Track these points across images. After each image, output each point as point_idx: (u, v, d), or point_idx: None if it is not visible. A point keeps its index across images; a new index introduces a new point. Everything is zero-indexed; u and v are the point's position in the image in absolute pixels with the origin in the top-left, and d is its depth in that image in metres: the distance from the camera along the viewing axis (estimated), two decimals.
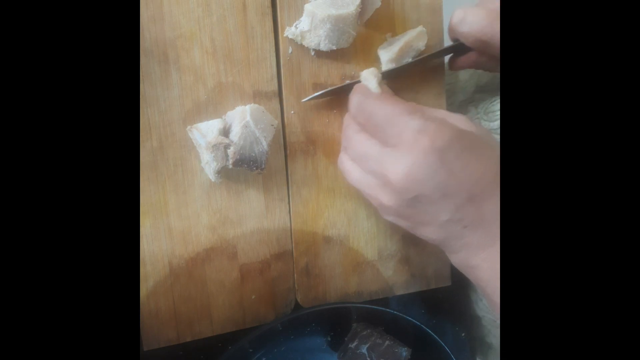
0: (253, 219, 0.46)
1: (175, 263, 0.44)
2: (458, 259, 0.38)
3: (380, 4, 0.45)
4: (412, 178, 0.34)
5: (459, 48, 0.48)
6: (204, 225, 0.45)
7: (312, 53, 0.46)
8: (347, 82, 0.46)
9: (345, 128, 0.42)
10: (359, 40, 0.47)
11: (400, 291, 0.52)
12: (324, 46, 0.45)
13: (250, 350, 0.47)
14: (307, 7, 0.44)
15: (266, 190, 0.46)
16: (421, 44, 0.47)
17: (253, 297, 0.47)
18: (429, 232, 0.38)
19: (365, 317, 0.49)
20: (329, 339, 0.50)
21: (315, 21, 0.44)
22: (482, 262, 0.36)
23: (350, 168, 0.41)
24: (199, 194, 0.44)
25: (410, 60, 0.47)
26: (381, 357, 0.46)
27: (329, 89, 0.46)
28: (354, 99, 0.41)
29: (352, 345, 0.47)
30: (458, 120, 0.38)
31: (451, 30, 0.47)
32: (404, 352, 0.46)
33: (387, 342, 0.46)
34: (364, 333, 0.47)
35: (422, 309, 0.51)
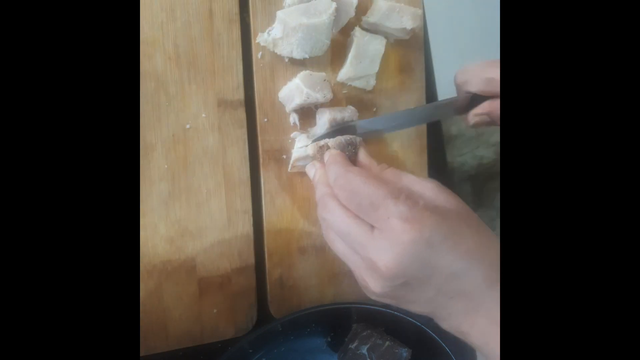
0: (214, 232, 0.45)
1: None
2: (448, 326, 0.38)
3: (354, 13, 0.44)
4: (401, 267, 0.34)
5: (473, 99, 0.46)
6: (162, 236, 0.43)
7: (286, 60, 0.44)
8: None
9: (322, 197, 0.39)
10: (334, 47, 0.45)
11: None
12: (297, 54, 0.43)
13: (250, 350, 0.46)
14: (279, 14, 0.42)
15: (229, 201, 0.45)
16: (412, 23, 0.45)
17: (215, 311, 0.46)
18: (415, 308, 0.38)
19: (365, 318, 0.48)
20: (329, 339, 0.49)
21: (287, 29, 0.42)
22: (471, 328, 0.36)
23: (334, 238, 0.39)
24: (157, 204, 0.43)
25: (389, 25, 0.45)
26: (381, 357, 0.45)
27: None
28: (332, 171, 0.39)
29: (353, 346, 0.46)
30: (430, 189, 0.37)
31: (459, 89, 0.46)
32: (405, 352, 0.46)
33: (387, 343, 0.46)
34: (364, 334, 0.47)
35: None
